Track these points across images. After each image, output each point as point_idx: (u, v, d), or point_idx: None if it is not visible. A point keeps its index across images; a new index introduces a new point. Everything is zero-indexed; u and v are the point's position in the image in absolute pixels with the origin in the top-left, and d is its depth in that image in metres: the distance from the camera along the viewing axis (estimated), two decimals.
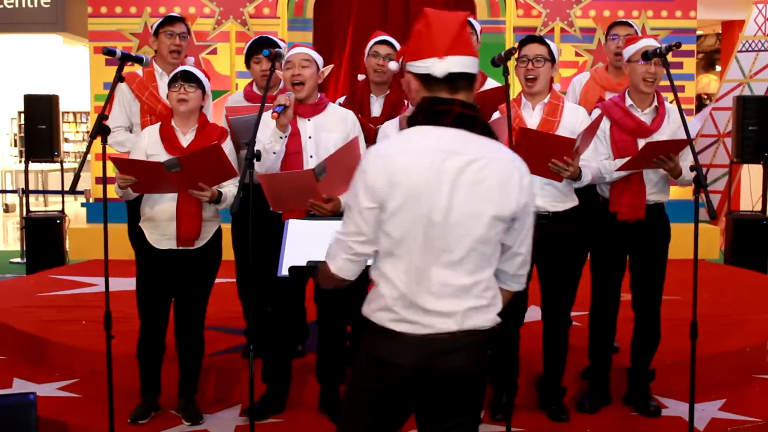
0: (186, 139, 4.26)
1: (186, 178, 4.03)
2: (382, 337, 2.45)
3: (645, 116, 4.33)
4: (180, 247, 4.26)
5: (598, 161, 4.28)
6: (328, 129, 4.26)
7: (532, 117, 4.26)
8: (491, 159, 2.40)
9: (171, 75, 4.28)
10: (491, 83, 4.93)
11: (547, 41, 4.27)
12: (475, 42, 4.95)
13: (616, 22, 5.14)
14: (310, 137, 4.24)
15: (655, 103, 4.34)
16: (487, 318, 2.46)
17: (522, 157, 3.91)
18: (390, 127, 4.29)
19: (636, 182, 4.31)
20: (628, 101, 4.35)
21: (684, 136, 4.05)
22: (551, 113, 4.25)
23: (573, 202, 4.31)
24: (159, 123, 4.34)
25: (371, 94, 4.85)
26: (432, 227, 2.37)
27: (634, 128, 4.28)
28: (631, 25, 5.07)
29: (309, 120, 4.27)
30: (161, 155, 4.13)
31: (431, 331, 2.41)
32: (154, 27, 4.91)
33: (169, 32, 4.85)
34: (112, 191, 4.12)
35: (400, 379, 2.44)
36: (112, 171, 4.02)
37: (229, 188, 4.23)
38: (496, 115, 4.33)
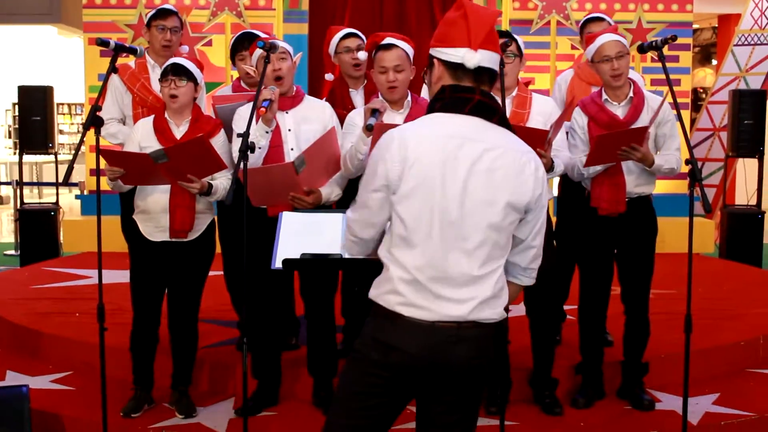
0: (180, 131, 4.24)
1: (174, 169, 4.02)
2: (388, 320, 2.45)
3: (620, 109, 4.33)
4: (173, 239, 4.25)
5: (578, 157, 4.29)
6: (308, 121, 4.26)
7: None
8: (507, 149, 2.42)
9: (162, 68, 4.25)
10: None
11: (514, 36, 4.27)
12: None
13: (589, 19, 5.12)
14: (290, 130, 4.24)
15: (630, 93, 4.34)
16: (495, 311, 2.46)
17: None
18: (356, 116, 4.26)
19: (616, 176, 4.31)
20: (604, 96, 4.37)
21: (646, 124, 4.06)
22: (520, 105, 4.28)
23: (548, 194, 4.33)
24: (152, 116, 4.33)
25: (350, 89, 4.84)
26: (447, 213, 2.38)
27: (608, 122, 4.29)
28: (605, 20, 5.05)
29: (287, 113, 4.27)
30: (154, 147, 4.11)
31: (438, 318, 2.41)
32: (147, 18, 4.88)
33: (160, 26, 4.81)
34: (106, 183, 4.10)
35: (403, 365, 2.44)
36: (105, 163, 4.01)
37: (221, 180, 4.22)
38: None
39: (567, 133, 4.41)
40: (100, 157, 3.93)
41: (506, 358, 4.39)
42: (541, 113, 4.25)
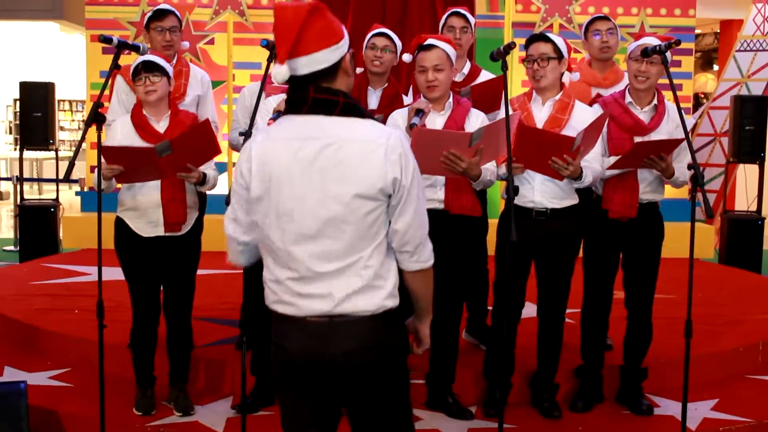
0: (161, 126, 4.24)
1: (175, 161, 4.03)
2: (275, 320, 2.50)
3: (644, 114, 4.31)
4: (167, 233, 4.25)
5: (601, 169, 4.24)
6: None
7: (540, 113, 4.24)
8: (349, 140, 2.38)
9: (132, 67, 4.22)
10: (485, 75, 4.92)
11: (552, 37, 4.21)
12: (470, 36, 4.94)
13: (595, 18, 5.12)
14: None
15: (655, 101, 4.32)
16: (371, 302, 2.42)
17: (522, 153, 3.91)
18: (398, 116, 4.24)
19: (629, 180, 4.30)
20: (628, 98, 4.33)
21: (680, 136, 4.04)
22: (561, 111, 4.21)
23: (572, 200, 4.29)
24: (128, 114, 4.31)
25: (369, 87, 4.84)
26: (290, 213, 2.39)
27: (632, 126, 4.27)
28: (609, 20, 5.06)
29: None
30: (137, 145, 4.12)
31: (308, 313, 2.41)
32: (145, 21, 4.84)
33: (159, 28, 4.78)
34: (92, 182, 4.09)
35: (291, 364, 2.46)
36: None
37: (209, 171, 4.25)
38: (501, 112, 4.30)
39: None
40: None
41: (512, 361, 4.38)
42: (582, 122, 4.10)
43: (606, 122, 4.24)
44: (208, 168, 4.25)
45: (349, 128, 2.40)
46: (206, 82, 5.07)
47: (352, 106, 2.43)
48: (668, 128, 4.27)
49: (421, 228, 2.49)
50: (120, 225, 4.31)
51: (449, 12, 4.99)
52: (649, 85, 4.26)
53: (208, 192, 4.48)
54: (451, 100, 4.18)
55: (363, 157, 2.37)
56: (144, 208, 4.24)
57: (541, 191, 4.16)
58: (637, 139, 4.24)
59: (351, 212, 2.37)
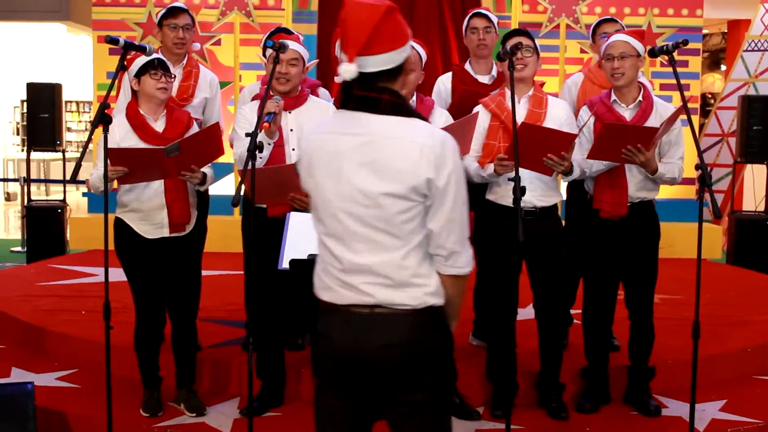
0: (158, 125, 4.23)
1: (180, 161, 4.03)
2: (320, 310, 2.51)
3: (628, 111, 4.32)
4: (172, 234, 4.25)
5: (581, 156, 4.27)
6: (310, 121, 4.20)
7: (519, 109, 4.24)
8: (387, 137, 2.37)
9: (145, 62, 4.18)
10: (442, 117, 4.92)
11: (530, 33, 4.32)
12: (494, 35, 4.95)
13: (602, 20, 5.14)
14: (291, 130, 4.23)
15: (640, 98, 4.32)
16: (411, 297, 2.41)
17: (519, 151, 3.91)
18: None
19: (618, 178, 4.31)
20: (613, 97, 4.37)
21: (673, 132, 4.04)
22: (536, 105, 4.28)
23: (558, 197, 4.37)
24: (122, 114, 4.28)
25: None
26: (328, 205, 2.42)
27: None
28: (617, 22, 5.06)
29: (290, 113, 4.26)
30: (135, 145, 4.13)
31: (351, 302, 2.42)
32: (158, 18, 4.86)
33: (172, 25, 4.79)
34: (114, 181, 4.09)
35: (332, 354, 2.47)
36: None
37: (207, 170, 4.26)
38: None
39: None
40: (97, 154, 3.92)
41: (514, 361, 4.38)
42: (557, 116, 4.26)
43: (586, 119, 4.34)
44: (206, 168, 4.26)
45: (390, 126, 2.39)
46: (215, 85, 5.07)
47: (398, 105, 2.42)
48: (654, 124, 4.25)
49: (455, 233, 2.43)
50: (121, 226, 4.29)
51: (471, 13, 5.02)
52: (627, 80, 4.27)
53: (211, 193, 4.49)
54: (414, 98, 4.25)
55: (398, 156, 2.36)
56: (147, 210, 4.23)
57: (530, 190, 4.16)
58: None
59: (385, 210, 2.37)
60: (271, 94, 4.23)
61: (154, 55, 4.22)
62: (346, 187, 2.38)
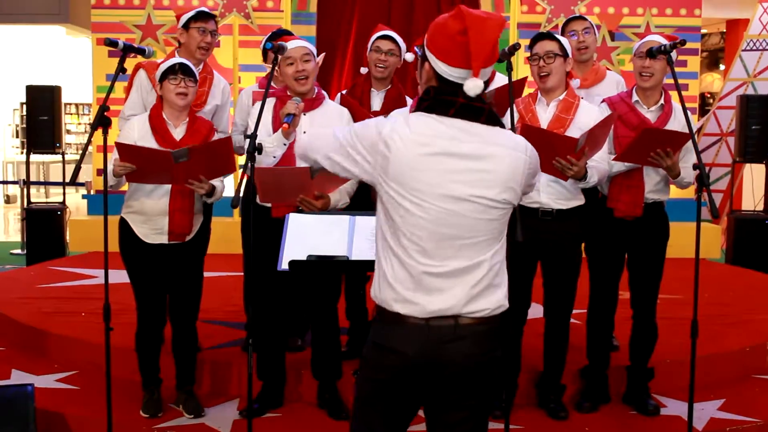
0: (177, 132, 4.22)
1: (188, 169, 4.01)
2: (387, 320, 2.46)
3: (650, 113, 4.31)
4: (171, 242, 4.26)
5: (607, 169, 4.23)
6: (324, 125, 4.18)
7: (545, 113, 4.23)
8: (495, 148, 2.40)
9: (167, 66, 4.21)
10: (500, 79, 4.88)
11: (558, 36, 4.24)
12: None
13: (570, 18, 5.13)
14: (305, 132, 4.21)
15: (662, 101, 4.32)
16: (490, 300, 2.45)
17: None
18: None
19: (635, 179, 4.31)
20: (635, 97, 4.34)
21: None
22: (565, 111, 4.21)
23: (578, 201, 4.29)
24: (146, 114, 4.29)
25: (372, 89, 4.84)
26: (427, 212, 2.38)
27: (638, 125, 4.26)
28: (586, 19, 5.07)
29: (306, 114, 4.23)
30: (151, 146, 4.11)
31: (431, 315, 2.41)
32: (184, 20, 4.79)
33: (201, 29, 4.75)
34: (101, 181, 4.08)
35: (402, 365, 2.44)
36: (116, 157, 3.99)
37: (217, 183, 4.22)
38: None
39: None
40: (114, 149, 3.92)
41: (518, 362, 4.38)
42: (584, 124, 4.10)
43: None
44: (216, 180, 4.23)
45: (492, 137, 2.42)
46: (227, 92, 5.06)
47: (495, 116, 2.46)
48: (674, 128, 4.26)
49: None
50: (124, 227, 4.30)
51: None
52: (654, 82, 4.26)
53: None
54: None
55: (504, 167, 2.41)
56: (150, 214, 4.22)
57: (546, 192, 4.16)
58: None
59: (481, 217, 2.40)
60: (289, 94, 4.24)
61: (178, 59, 4.23)
62: (450, 193, 2.37)
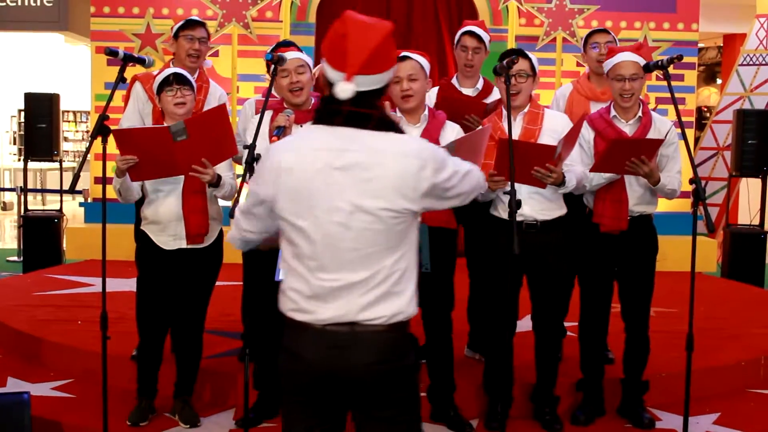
0: None
1: (190, 152, 3.99)
2: (291, 328, 2.47)
3: (628, 127, 4.35)
4: (189, 246, 4.26)
5: (583, 170, 4.27)
6: None
7: (513, 128, 4.26)
8: (383, 155, 2.36)
9: (161, 78, 4.23)
10: (498, 93, 4.89)
11: (529, 55, 4.28)
12: (483, 54, 4.94)
13: (593, 31, 5.14)
14: None
15: (639, 113, 4.36)
16: (388, 307, 2.41)
17: (504, 166, 3.92)
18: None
19: (618, 192, 4.33)
20: (612, 112, 4.38)
21: (669, 148, 4.05)
22: (532, 122, 4.28)
23: (560, 210, 4.32)
24: (149, 120, 4.31)
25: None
26: (319, 224, 2.37)
27: (615, 138, 4.29)
28: (609, 33, 5.08)
29: (301, 126, 4.24)
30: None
31: (327, 322, 2.40)
32: (174, 30, 4.84)
33: (189, 36, 4.79)
34: (111, 191, 4.09)
35: (307, 373, 2.45)
36: (111, 171, 3.99)
37: (225, 174, 4.23)
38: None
39: None
40: (111, 165, 3.93)
41: (510, 373, 4.39)
42: (554, 130, 4.22)
43: (586, 135, 4.35)
44: (224, 171, 4.23)
45: (382, 143, 2.38)
46: (223, 101, 5.07)
47: (386, 121, 2.42)
48: (653, 138, 4.28)
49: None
50: (143, 238, 4.33)
51: (463, 30, 4.93)
52: (635, 100, 4.32)
53: (221, 203, 4.47)
54: (426, 112, 4.21)
55: (396, 173, 2.36)
56: (166, 221, 4.24)
57: (529, 204, 4.18)
58: None
59: (378, 226, 2.37)
60: (286, 106, 4.26)
61: (173, 69, 4.24)
62: (338, 204, 2.35)
